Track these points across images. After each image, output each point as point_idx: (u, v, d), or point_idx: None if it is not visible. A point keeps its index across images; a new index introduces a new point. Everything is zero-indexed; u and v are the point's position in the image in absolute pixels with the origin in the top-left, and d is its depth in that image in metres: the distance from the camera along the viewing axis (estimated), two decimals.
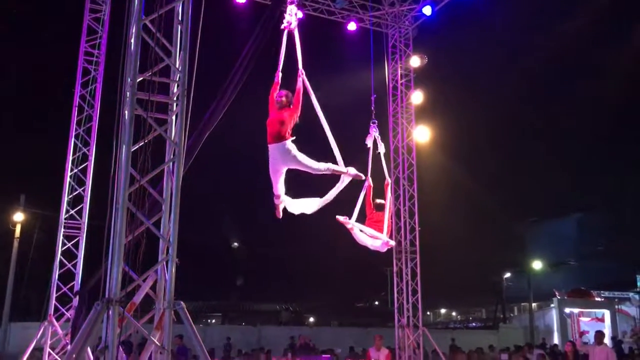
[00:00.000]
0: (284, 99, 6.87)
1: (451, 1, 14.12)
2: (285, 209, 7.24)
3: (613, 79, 25.23)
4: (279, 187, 6.97)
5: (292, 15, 7.23)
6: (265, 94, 7.01)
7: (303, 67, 7.08)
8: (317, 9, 14.41)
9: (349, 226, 7.91)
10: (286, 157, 6.68)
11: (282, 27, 7.24)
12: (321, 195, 7.33)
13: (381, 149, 8.63)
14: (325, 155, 7.11)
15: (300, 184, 7.51)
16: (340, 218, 7.85)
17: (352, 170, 7.25)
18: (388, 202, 8.34)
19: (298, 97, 6.87)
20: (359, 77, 13.55)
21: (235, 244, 34.16)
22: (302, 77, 7.01)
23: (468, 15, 18.40)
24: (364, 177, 7.60)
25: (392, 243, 8.41)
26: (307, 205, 7.31)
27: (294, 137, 6.77)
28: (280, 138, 6.65)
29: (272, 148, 6.71)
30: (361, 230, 8.05)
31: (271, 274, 34.39)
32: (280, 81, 7.03)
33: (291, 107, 6.82)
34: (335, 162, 7.15)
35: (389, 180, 8.62)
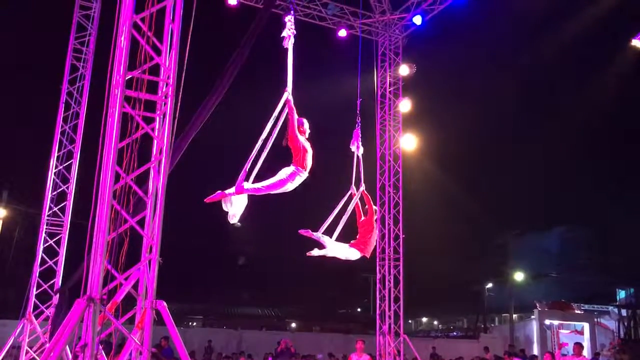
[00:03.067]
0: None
1: (441, 12, 14.25)
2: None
3: (599, 94, 25.55)
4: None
5: (290, 30, 7.23)
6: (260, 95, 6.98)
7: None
8: (308, 14, 14.47)
9: (314, 238, 7.80)
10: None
11: (284, 43, 7.23)
12: None
13: (359, 151, 8.53)
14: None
15: None
16: (303, 231, 7.74)
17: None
18: (350, 207, 8.20)
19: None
20: (348, 84, 13.59)
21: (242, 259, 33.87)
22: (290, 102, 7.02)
23: (458, 26, 18.58)
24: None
25: (320, 248, 8.11)
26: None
27: None
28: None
29: (303, 176, 6.81)
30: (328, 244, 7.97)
31: (254, 278, 34.27)
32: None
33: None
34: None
35: (363, 186, 8.50)
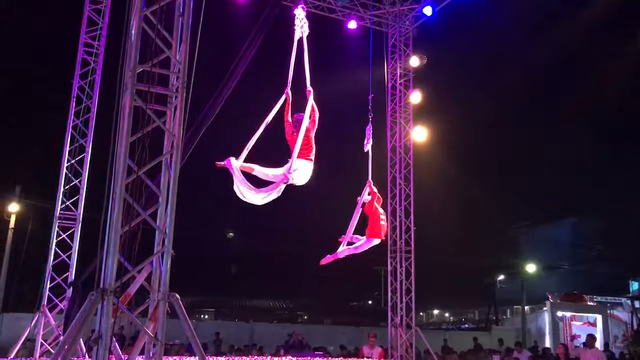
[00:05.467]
0: None
1: (452, 2, 14.15)
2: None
3: (611, 83, 25.31)
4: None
5: (301, 22, 7.21)
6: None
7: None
8: (318, 6, 14.42)
9: (347, 239, 8.04)
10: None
11: (297, 37, 7.21)
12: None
13: (367, 145, 8.67)
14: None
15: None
16: (342, 239, 8.08)
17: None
18: (361, 200, 8.36)
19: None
20: (358, 76, 13.57)
21: (231, 234, 33.87)
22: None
23: (468, 17, 18.41)
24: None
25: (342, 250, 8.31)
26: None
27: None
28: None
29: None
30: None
31: (265, 271, 34.36)
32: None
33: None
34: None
35: (370, 180, 8.62)
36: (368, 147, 8.67)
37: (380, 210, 8.51)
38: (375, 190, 8.49)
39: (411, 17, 15.06)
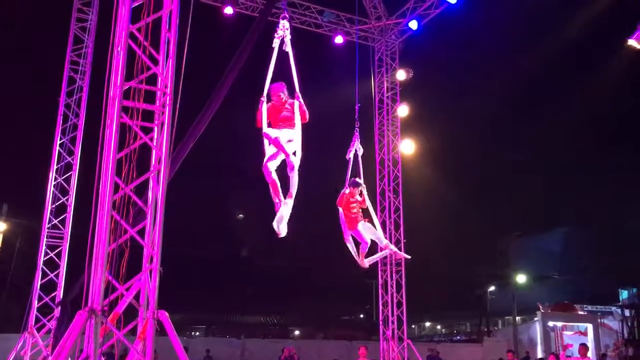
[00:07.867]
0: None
1: (437, 16, 14.29)
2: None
3: (597, 94, 25.59)
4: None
5: (285, 31, 7.18)
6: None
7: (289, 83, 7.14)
8: (304, 22, 14.51)
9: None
10: None
11: (276, 45, 7.16)
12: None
13: (359, 152, 8.80)
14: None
15: None
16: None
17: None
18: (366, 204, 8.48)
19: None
20: (345, 90, 13.62)
21: (241, 215, 33.06)
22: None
23: (453, 30, 18.62)
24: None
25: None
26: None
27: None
28: None
29: None
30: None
31: (256, 287, 34.21)
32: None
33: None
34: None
35: (363, 185, 8.72)
36: (350, 154, 8.78)
37: (353, 199, 8.58)
38: (353, 191, 8.58)
39: (397, 32, 15.19)
